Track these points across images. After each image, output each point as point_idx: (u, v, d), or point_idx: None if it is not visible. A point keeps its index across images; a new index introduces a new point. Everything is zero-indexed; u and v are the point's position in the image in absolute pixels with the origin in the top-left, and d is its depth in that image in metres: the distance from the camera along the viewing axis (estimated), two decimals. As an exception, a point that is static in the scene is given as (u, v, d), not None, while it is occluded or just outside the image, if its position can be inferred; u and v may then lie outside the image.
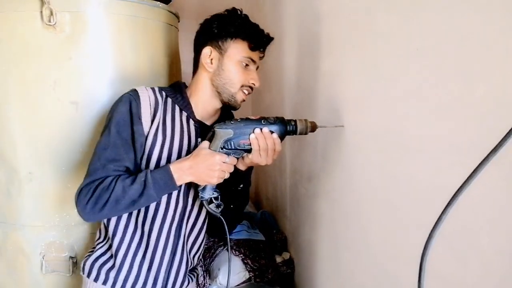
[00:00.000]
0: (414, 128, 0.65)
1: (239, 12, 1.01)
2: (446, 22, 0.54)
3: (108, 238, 1.00)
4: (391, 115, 0.73)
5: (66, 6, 1.04)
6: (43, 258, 1.14)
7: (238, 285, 1.42)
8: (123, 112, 0.94)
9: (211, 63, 0.99)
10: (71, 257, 1.14)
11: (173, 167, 0.90)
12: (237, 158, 0.94)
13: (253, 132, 0.89)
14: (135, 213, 0.98)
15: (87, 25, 1.07)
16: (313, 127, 0.92)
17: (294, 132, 0.91)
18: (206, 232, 1.11)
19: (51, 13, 1.03)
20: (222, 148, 0.90)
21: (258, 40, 1.00)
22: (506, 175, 0.44)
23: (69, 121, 1.09)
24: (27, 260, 1.14)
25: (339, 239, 1.04)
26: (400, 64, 0.68)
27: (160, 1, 1.23)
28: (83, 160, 1.11)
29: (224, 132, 0.90)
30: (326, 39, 1.04)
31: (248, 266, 1.42)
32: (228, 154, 0.91)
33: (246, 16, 1.02)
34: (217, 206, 0.97)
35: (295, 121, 0.91)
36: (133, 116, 0.94)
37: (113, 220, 0.98)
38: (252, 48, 0.98)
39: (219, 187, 0.96)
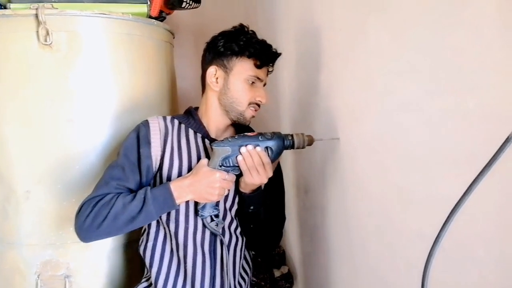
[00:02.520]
0: (408, 140, 0.66)
1: (245, 29, 1.01)
2: (436, 37, 0.56)
3: (147, 269, 1.01)
4: (385, 128, 0.74)
5: (63, 25, 1.06)
6: (38, 277, 1.13)
7: (236, 300, 1.40)
8: (131, 138, 0.98)
9: (217, 82, 1.00)
10: (66, 276, 1.13)
11: (173, 185, 0.90)
12: (236, 175, 0.94)
13: (240, 152, 0.89)
14: (169, 240, 0.98)
15: (83, 44, 1.08)
16: (310, 141, 0.93)
17: (291, 146, 0.92)
18: (247, 249, 1.09)
19: (47, 33, 1.04)
20: (220, 166, 0.91)
21: (264, 57, 0.99)
22: (499, 187, 0.45)
23: (66, 139, 1.09)
24: (23, 279, 1.13)
25: (337, 252, 1.04)
26: (393, 77, 0.69)
27: (155, 19, 1.25)
28: (79, 178, 1.10)
29: (222, 150, 0.90)
30: (321, 54, 1.05)
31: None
32: (227, 171, 0.91)
33: (252, 33, 1.01)
34: (217, 224, 0.97)
35: (292, 135, 0.92)
36: (140, 140, 0.96)
37: (149, 250, 0.98)
38: (258, 66, 0.98)
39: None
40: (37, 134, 1.07)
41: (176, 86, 1.44)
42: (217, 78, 0.99)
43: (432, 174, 0.59)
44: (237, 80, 0.98)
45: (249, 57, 0.97)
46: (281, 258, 1.65)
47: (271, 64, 1.03)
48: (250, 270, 1.12)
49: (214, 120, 1.03)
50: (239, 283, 1.04)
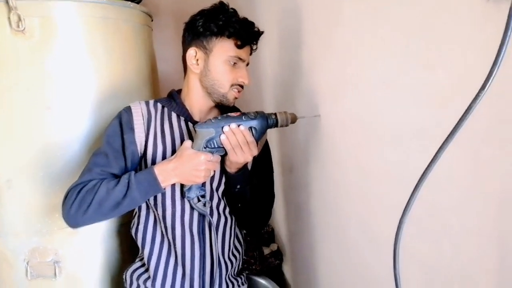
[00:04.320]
0: (383, 115, 0.66)
1: (225, 8, 0.97)
2: (408, 12, 0.56)
3: (140, 250, 1.03)
4: (361, 104, 0.74)
5: (34, 11, 1.03)
6: (27, 264, 1.14)
7: (226, 279, 1.43)
8: (114, 125, 0.97)
9: (197, 64, 0.98)
10: (55, 262, 1.14)
11: (157, 169, 0.89)
12: (221, 156, 0.94)
13: (223, 132, 0.88)
14: (158, 223, 0.99)
15: (57, 29, 1.06)
16: (293, 119, 0.93)
17: (275, 125, 0.92)
18: (237, 228, 1.09)
19: (19, 19, 1.01)
20: (205, 148, 0.91)
21: (245, 36, 0.96)
22: (468, 156, 0.46)
23: (45, 127, 1.08)
24: (10, 268, 1.14)
25: (319, 229, 1.06)
26: (368, 54, 0.70)
27: (131, 1, 1.22)
28: (62, 165, 1.10)
29: (206, 132, 0.90)
30: (302, 32, 1.04)
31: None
32: (212, 152, 0.91)
33: (233, 11, 0.97)
34: (204, 204, 0.98)
35: (275, 114, 0.92)
36: (123, 126, 0.96)
37: (140, 233, 1.00)
38: (239, 46, 0.95)
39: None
40: (15, 122, 1.06)
41: (156, 70, 1.42)
42: (197, 60, 0.97)
43: (405, 148, 0.60)
44: (217, 62, 0.95)
45: (229, 37, 0.94)
46: (270, 236, 1.68)
47: (254, 43, 1.00)
48: (242, 248, 1.13)
49: (197, 102, 1.01)
50: (230, 260, 1.06)
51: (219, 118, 0.91)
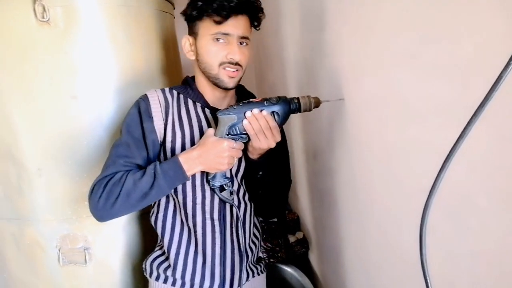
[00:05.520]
0: (405, 93, 0.63)
1: None
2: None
3: (160, 239, 1.03)
4: (383, 83, 0.71)
5: (58, 0, 1.04)
6: (59, 250, 1.17)
7: (252, 266, 1.44)
8: (132, 114, 0.96)
9: (192, 51, 0.97)
10: (85, 248, 1.17)
11: (181, 158, 0.89)
12: (244, 143, 0.92)
13: (245, 117, 0.86)
14: (178, 210, 0.99)
15: (80, 18, 1.07)
16: (317, 103, 0.89)
17: (298, 109, 0.89)
18: (256, 216, 1.09)
19: (44, 9, 1.03)
20: (227, 134, 0.89)
21: (225, 11, 0.89)
22: (496, 132, 0.43)
23: (71, 116, 1.10)
24: (44, 253, 1.18)
25: (346, 213, 1.03)
26: (389, 30, 0.66)
27: (152, -12, 1.22)
28: (88, 153, 1.12)
29: (227, 118, 0.89)
30: (320, 11, 1.01)
31: (262, 248, 1.43)
32: (234, 139, 0.90)
33: None
34: (230, 193, 0.97)
35: (298, 98, 0.89)
36: (142, 115, 0.95)
37: (160, 221, 1.00)
38: (219, 22, 0.89)
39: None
40: (41, 112, 1.08)
41: (179, 58, 1.42)
42: (191, 46, 0.97)
43: (430, 126, 0.57)
44: (203, 43, 0.93)
45: (208, 16, 0.90)
46: (296, 224, 1.66)
47: (245, 14, 0.92)
48: (260, 235, 1.13)
49: (206, 88, 1.00)
50: (250, 247, 1.05)
51: (241, 104, 0.89)
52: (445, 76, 0.51)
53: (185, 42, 0.98)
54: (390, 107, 0.69)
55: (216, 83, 0.96)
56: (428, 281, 0.53)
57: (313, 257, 1.54)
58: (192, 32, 0.96)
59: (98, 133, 1.12)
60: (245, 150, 0.95)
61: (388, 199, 0.76)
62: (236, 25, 0.91)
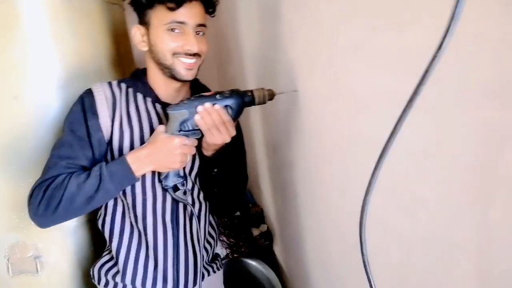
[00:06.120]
0: (356, 83, 0.63)
1: None
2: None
3: (108, 243, 0.97)
4: (335, 74, 0.70)
5: (-6, -3, 0.96)
6: (8, 260, 1.10)
7: (217, 262, 1.42)
8: (75, 111, 0.89)
9: (143, 41, 0.91)
10: (36, 257, 1.11)
11: (129, 158, 0.84)
12: (198, 139, 0.88)
13: (196, 112, 0.82)
14: (127, 213, 0.93)
15: (19, 15, 0.99)
16: (271, 95, 0.87)
17: (252, 102, 0.86)
18: (211, 214, 1.04)
19: (-23, 5, 0.95)
20: (179, 131, 0.85)
21: None
22: (437, 123, 0.43)
23: (14, 118, 1.02)
24: (-9, 265, 1.11)
25: (304, 206, 1.04)
26: (340, 19, 0.66)
27: (97, -21, 1.15)
28: (33, 156, 1.05)
29: (178, 114, 0.84)
30: (278, 5, 0.99)
31: (224, 243, 1.42)
32: (187, 136, 0.86)
33: None
34: (185, 192, 0.93)
35: (251, 91, 0.86)
36: (86, 112, 0.88)
37: (108, 225, 0.94)
38: (172, 8, 0.84)
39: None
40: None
41: (131, 50, 1.36)
42: (143, 37, 0.91)
43: (374, 116, 0.57)
44: (157, 33, 0.87)
45: (160, 3, 0.84)
46: (260, 217, 1.66)
47: (205, 1, 0.88)
48: (216, 233, 1.09)
49: (158, 81, 0.94)
50: (205, 247, 1.02)
51: (192, 98, 0.85)
52: (388, 66, 0.51)
53: (135, 33, 0.91)
54: (340, 99, 0.69)
55: (172, 75, 0.90)
56: (368, 268, 0.53)
57: (277, 250, 1.54)
58: (143, 22, 0.89)
59: (43, 134, 1.05)
60: (199, 147, 0.92)
61: (343, 189, 0.76)
62: (191, 13, 0.86)
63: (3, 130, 1.03)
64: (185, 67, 0.89)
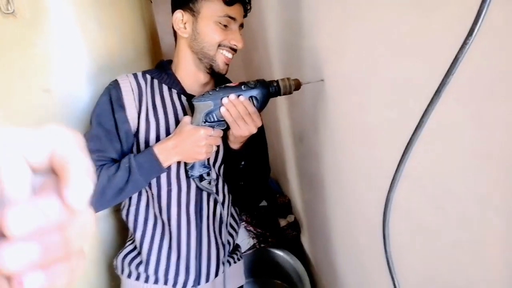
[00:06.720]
0: (381, 74, 0.60)
1: None
2: None
3: (131, 233, 0.99)
4: (363, 63, 0.68)
5: (22, -10, 0.99)
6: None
7: (244, 252, 1.43)
8: (103, 103, 0.91)
9: (185, 28, 0.91)
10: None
11: (156, 149, 0.85)
12: (223, 130, 0.88)
13: (222, 104, 0.82)
14: (151, 203, 0.95)
15: (48, 7, 1.02)
16: (297, 85, 0.85)
17: (277, 93, 0.85)
18: (232, 205, 1.05)
19: (8, 1, 0.98)
20: (204, 122, 0.85)
21: None
22: (469, 115, 0.40)
23: (45, 111, 1.05)
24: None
25: (331, 196, 1.02)
26: (368, 7, 0.62)
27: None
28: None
29: (204, 105, 0.84)
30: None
31: (251, 233, 1.43)
32: (212, 127, 0.86)
33: None
34: (209, 182, 0.93)
35: (277, 81, 0.85)
36: (114, 105, 0.90)
37: (132, 215, 0.96)
38: (228, 2, 0.86)
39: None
40: (14, 107, 1.04)
41: (158, 42, 1.37)
42: (185, 23, 0.90)
43: (403, 105, 0.54)
44: (206, 23, 0.88)
45: None
46: (287, 207, 1.65)
47: (246, 1, 0.91)
48: (237, 225, 1.09)
49: (189, 72, 0.95)
50: (227, 240, 1.02)
51: (217, 89, 0.85)
52: (416, 54, 0.48)
53: (177, 18, 0.91)
54: (368, 86, 0.66)
55: (210, 66, 0.92)
56: (390, 260, 0.51)
57: (305, 240, 1.53)
58: (191, 10, 0.89)
59: (74, 126, 1.07)
60: (224, 139, 0.92)
61: (370, 179, 0.74)
62: (239, 11, 0.90)
63: (35, 123, 1.06)
64: (224, 61, 0.91)
